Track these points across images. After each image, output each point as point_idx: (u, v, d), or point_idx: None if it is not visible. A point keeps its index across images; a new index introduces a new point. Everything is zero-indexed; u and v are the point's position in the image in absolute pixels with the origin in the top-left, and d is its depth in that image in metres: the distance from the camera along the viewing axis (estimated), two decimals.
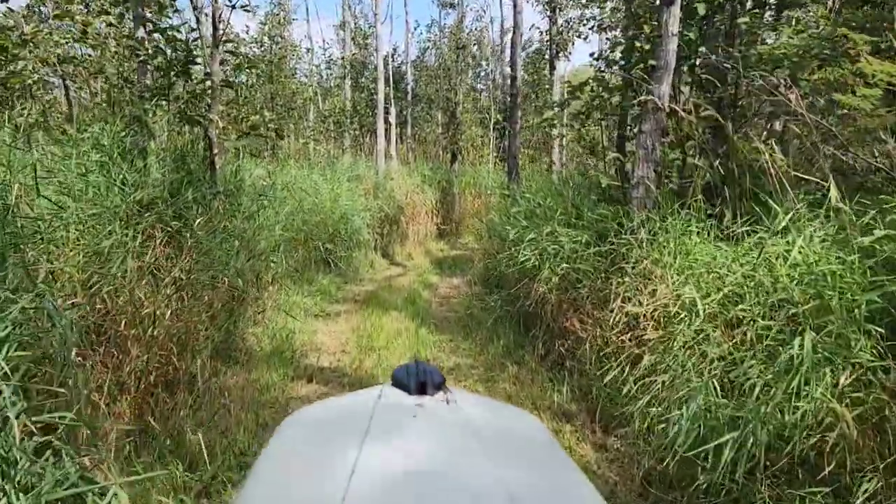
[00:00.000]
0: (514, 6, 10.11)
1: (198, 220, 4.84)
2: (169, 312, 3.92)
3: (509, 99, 10.42)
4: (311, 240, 9.71)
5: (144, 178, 4.73)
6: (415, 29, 22.54)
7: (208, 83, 5.40)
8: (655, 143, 5.00)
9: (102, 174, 4.31)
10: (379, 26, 13.24)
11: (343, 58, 16.31)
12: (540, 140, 17.54)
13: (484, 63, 21.82)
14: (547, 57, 14.55)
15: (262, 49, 11.93)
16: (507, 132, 20.94)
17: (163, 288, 4.08)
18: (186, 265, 4.54)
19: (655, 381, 3.19)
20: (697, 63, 5.31)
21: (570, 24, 12.98)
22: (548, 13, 13.22)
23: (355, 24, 18.11)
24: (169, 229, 4.65)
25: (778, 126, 5.56)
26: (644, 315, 3.85)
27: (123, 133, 4.81)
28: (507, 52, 22.92)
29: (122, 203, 4.09)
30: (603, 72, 8.72)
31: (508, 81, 22.77)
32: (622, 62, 6.44)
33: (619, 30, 9.40)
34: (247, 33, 11.98)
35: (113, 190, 4.11)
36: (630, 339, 4.19)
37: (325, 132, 14.80)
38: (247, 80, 12.13)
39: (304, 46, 13.51)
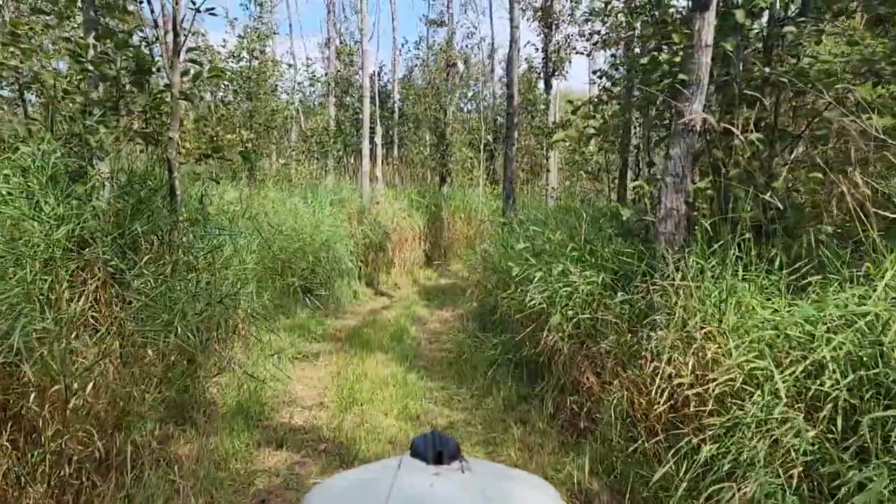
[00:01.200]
0: (511, 21, 9.47)
1: (146, 258, 4.06)
2: (91, 383, 3.13)
3: (506, 118, 9.76)
4: (289, 269, 9.01)
5: (82, 207, 3.96)
6: (402, 46, 22.03)
7: (167, 96, 4.66)
8: (687, 170, 4.31)
9: (25, 204, 3.54)
10: (365, 42, 12.59)
11: (327, 74, 15.62)
12: (534, 162, 16.92)
13: (472, 83, 21.32)
14: (542, 75, 13.95)
15: (240, 64, 11.24)
16: (497, 154, 20.37)
17: (92, 345, 3.30)
18: (130, 314, 3.77)
19: (725, 488, 2.45)
20: (730, 77, 4.65)
21: (569, 40, 12.37)
22: (543, 29, 12.64)
23: (340, 40, 17.51)
24: (110, 269, 3.88)
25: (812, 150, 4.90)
26: (692, 382, 3.12)
27: (60, 153, 4.04)
28: (498, 71, 22.44)
29: (43, 240, 3.31)
30: (609, 91, 8.11)
31: (498, 102, 22.31)
32: (628, 79, 5.81)
33: (621, 47, 8.81)
34: (223, 47, 11.31)
35: (32, 224, 3.33)
36: (670, 408, 3.47)
37: (308, 152, 14.06)
38: (223, 97, 11.43)
39: (285, 63, 12.82)
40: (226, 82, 10.80)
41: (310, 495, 1.02)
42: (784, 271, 3.42)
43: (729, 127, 3.75)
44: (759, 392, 2.59)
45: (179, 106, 4.70)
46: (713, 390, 2.75)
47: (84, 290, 3.43)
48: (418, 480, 0.96)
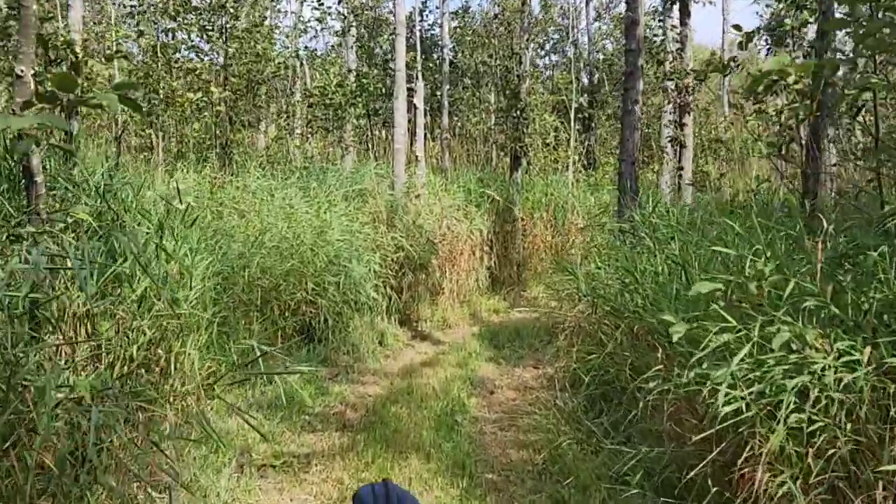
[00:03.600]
0: None
1: None
2: None
3: (625, 59, 8.10)
4: (276, 302, 7.80)
5: None
6: None
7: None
8: None
9: None
10: None
11: (341, 2, 14.43)
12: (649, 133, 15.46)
13: (553, 30, 20.12)
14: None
15: None
16: (595, 124, 18.81)
17: None
18: None
19: None
20: None
21: None
22: None
23: None
24: None
25: None
26: None
27: None
28: (590, 8, 20.93)
29: None
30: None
31: (599, 49, 20.76)
32: None
33: None
34: None
35: None
36: None
37: (314, 120, 12.92)
38: (188, 37, 10.28)
39: None
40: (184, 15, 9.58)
41: None
42: None
43: None
44: None
45: (32, 15, 3.29)
46: None
47: None
48: None
